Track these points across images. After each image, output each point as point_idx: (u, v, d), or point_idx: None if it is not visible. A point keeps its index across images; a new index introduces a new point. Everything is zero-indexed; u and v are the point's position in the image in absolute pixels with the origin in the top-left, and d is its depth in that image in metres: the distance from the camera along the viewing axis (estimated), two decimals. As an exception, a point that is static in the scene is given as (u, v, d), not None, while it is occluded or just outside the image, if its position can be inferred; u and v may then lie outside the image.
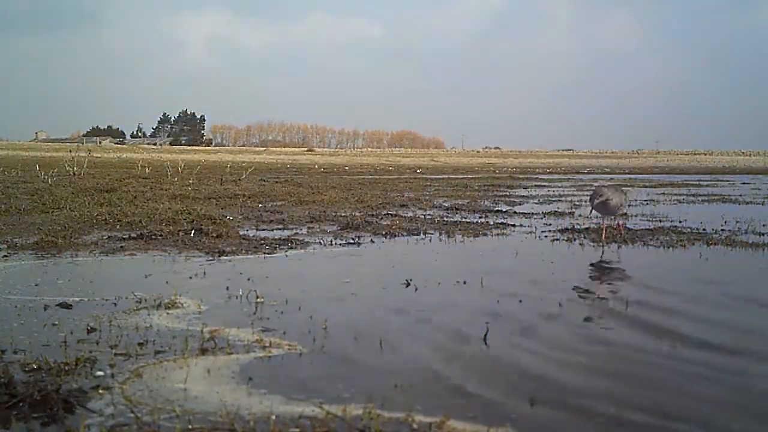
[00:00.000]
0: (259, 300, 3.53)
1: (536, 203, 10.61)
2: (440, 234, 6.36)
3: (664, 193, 13.73)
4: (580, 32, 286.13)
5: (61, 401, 2.05)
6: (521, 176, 23.31)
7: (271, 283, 3.97)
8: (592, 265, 5.04)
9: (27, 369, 2.34)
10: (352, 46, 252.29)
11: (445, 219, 7.69)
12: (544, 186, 16.70)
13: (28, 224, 6.37)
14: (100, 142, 66.84)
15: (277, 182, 15.17)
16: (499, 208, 9.26)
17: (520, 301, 3.62)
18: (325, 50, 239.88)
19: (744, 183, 19.62)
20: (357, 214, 7.94)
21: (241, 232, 6.16)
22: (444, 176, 22.48)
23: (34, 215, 7.08)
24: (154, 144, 77.05)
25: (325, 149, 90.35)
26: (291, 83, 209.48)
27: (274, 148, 75.76)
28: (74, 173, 15.21)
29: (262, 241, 5.60)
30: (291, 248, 5.37)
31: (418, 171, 26.88)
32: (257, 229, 6.52)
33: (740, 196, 12.98)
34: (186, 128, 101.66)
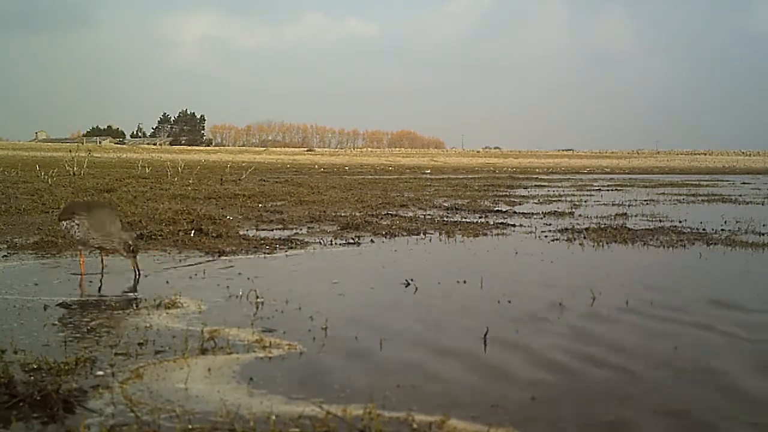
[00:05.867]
0: (259, 300, 3.53)
1: (536, 203, 10.60)
2: (440, 234, 6.36)
3: (664, 193, 13.74)
4: (579, 31, 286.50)
5: (61, 401, 2.05)
6: (521, 176, 23.32)
7: (271, 283, 3.97)
8: (591, 265, 5.04)
9: (27, 369, 2.33)
10: (349, 46, 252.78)
11: (445, 219, 7.69)
12: (544, 186, 16.70)
13: (28, 224, 6.37)
14: (100, 142, 66.81)
15: (277, 182, 15.17)
16: (499, 208, 9.26)
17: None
18: (324, 50, 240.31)
19: (744, 183, 19.62)
20: (357, 214, 7.94)
21: (241, 232, 6.16)
22: (444, 176, 22.49)
23: (34, 215, 7.08)
24: (154, 144, 77.01)
25: (325, 149, 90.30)
26: (290, 83, 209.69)
27: (274, 148, 75.74)
28: (74, 173, 15.20)
29: (262, 241, 5.59)
30: (291, 248, 5.37)
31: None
32: (257, 229, 6.52)
33: (740, 196, 12.98)
34: (186, 128, 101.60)
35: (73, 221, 4.09)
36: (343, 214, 7.81)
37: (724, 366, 2.57)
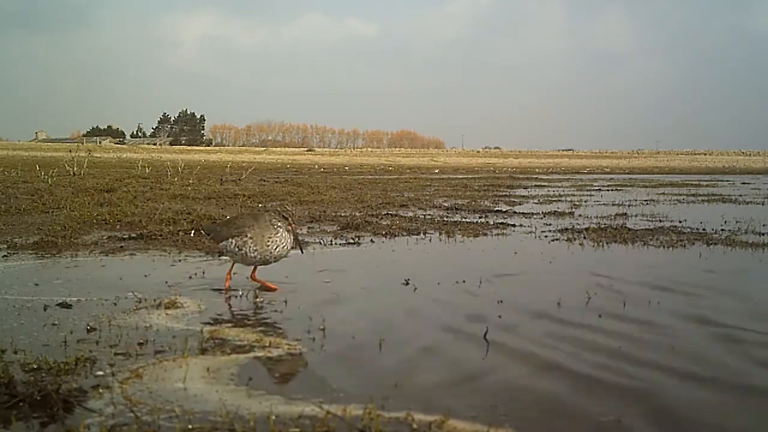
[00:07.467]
0: (258, 300, 3.54)
1: (536, 203, 10.60)
2: (440, 234, 6.36)
3: (664, 193, 13.74)
4: (579, 32, 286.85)
5: (61, 401, 2.05)
6: (521, 176, 23.31)
7: (270, 283, 3.96)
8: (590, 265, 5.03)
9: (27, 369, 2.34)
10: (349, 46, 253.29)
11: (445, 219, 7.69)
12: (544, 186, 16.70)
13: (28, 224, 6.37)
14: (100, 142, 66.79)
15: (277, 182, 15.17)
16: (499, 208, 9.26)
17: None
18: (324, 50, 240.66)
19: (744, 183, 19.62)
20: (357, 214, 7.94)
21: (241, 232, 6.14)
22: (444, 176, 22.49)
23: (34, 215, 7.08)
24: (154, 144, 77.00)
25: (325, 149, 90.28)
26: (290, 83, 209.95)
27: (274, 148, 75.72)
28: (74, 173, 15.20)
29: (262, 241, 5.59)
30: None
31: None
32: (257, 229, 6.51)
33: (740, 196, 12.98)
34: (186, 128, 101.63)
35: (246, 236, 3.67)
36: (343, 214, 7.81)
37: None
